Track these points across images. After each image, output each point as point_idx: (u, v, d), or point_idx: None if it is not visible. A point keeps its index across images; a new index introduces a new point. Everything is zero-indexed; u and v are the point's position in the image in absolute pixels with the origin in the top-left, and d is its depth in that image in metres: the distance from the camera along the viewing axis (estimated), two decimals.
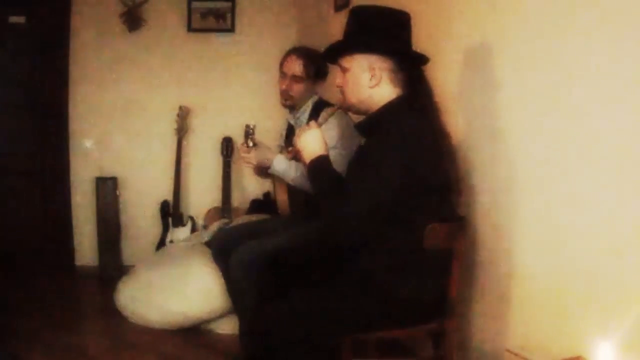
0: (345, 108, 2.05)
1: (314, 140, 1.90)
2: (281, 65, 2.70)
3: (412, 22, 1.93)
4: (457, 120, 2.22)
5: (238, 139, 3.98)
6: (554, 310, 1.70)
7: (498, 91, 1.98)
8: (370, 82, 1.87)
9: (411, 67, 1.92)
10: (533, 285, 1.81)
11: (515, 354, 1.73)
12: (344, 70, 1.92)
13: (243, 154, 2.53)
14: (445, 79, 2.27)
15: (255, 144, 2.50)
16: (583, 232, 1.60)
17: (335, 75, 2.00)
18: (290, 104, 2.69)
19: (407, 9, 1.92)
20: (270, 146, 2.65)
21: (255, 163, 2.52)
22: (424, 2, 2.41)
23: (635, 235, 1.42)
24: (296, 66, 2.63)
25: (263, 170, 2.63)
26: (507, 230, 1.94)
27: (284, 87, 2.65)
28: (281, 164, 2.49)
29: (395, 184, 1.73)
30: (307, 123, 2.50)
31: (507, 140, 1.94)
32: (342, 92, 1.96)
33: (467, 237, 2.02)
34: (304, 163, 1.94)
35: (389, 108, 1.88)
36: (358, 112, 1.99)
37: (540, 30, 1.76)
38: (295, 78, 2.62)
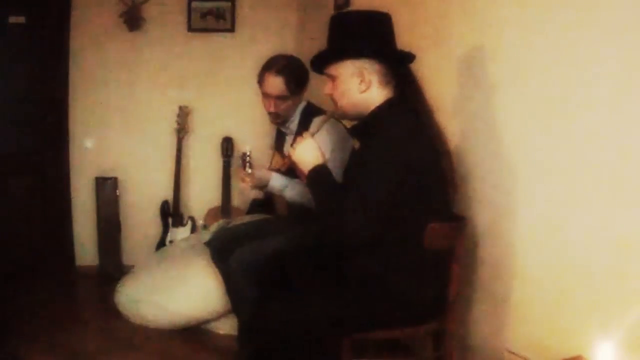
0: (339, 115, 2.03)
1: (310, 151, 1.89)
2: (260, 84, 2.61)
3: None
4: (457, 120, 2.22)
5: (238, 139, 3.99)
6: (554, 310, 1.70)
7: (497, 91, 1.98)
8: (360, 87, 1.87)
9: (399, 67, 1.91)
10: (533, 285, 1.81)
11: (515, 354, 1.73)
12: (332, 79, 1.91)
13: (241, 179, 2.52)
14: (446, 80, 2.28)
15: (252, 167, 2.50)
16: (583, 232, 1.60)
17: (320, 81, 1.98)
18: (281, 121, 2.67)
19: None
20: (265, 166, 2.66)
21: (252, 185, 2.52)
22: (424, 4, 2.41)
23: (635, 235, 1.42)
24: (277, 86, 2.55)
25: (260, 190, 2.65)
26: (507, 230, 1.94)
27: (272, 109, 2.59)
28: (278, 183, 2.49)
29: (396, 187, 1.73)
30: (299, 132, 2.51)
31: (507, 141, 1.94)
32: (333, 100, 1.95)
33: (467, 237, 2.02)
34: (303, 175, 1.91)
35: (381, 110, 1.88)
36: (351, 117, 1.98)
37: (539, 31, 1.76)
38: (280, 98, 2.56)
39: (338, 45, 1.89)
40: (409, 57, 1.92)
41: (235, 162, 3.93)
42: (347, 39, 1.87)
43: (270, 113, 2.63)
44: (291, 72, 2.55)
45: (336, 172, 2.22)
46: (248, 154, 2.51)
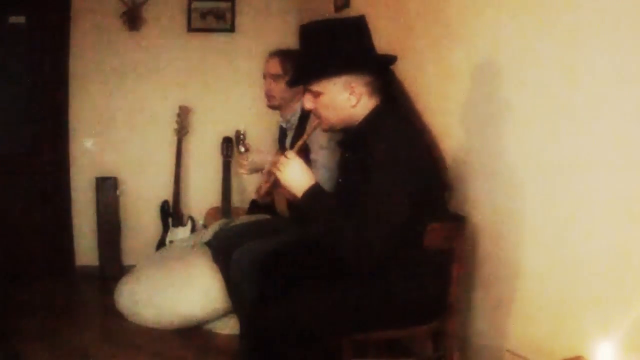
0: (325, 129, 1.95)
1: (298, 172, 1.81)
2: (264, 67, 2.72)
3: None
4: (458, 121, 2.22)
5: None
6: (554, 310, 1.70)
7: (500, 91, 1.98)
8: (350, 102, 1.81)
9: (385, 72, 1.88)
10: (533, 285, 1.81)
11: (516, 354, 1.73)
12: (316, 94, 1.82)
13: (239, 164, 2.56)
14: (447, 82, 2.28)
15: (247, 149, 2.51)
16: (583, 232, 1.60)
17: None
18: (275, 105, 2.70)
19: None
20: (262, 150, 2.67)
21: (249, 168, 2.53)
22: (432, 15, 2.40)
23: (635, 235, 1.42)
24: (273, 65, 2.63)
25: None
26: (507, 230, 1.94)
27: (265, 88, 2.68)
28: None
29: (406, 197, 1.71)
30: (299, 126, 2.50)
31: (508, 141, 1.94)
32: (319, 115, 1.88)
33: (467, 237, 2.02)
34: (296, 197, 1.84)
35: (372, 119, 1.83)
36: (338, 130, 1.93)
37: (541, 28, 1.76)
38: (273, 77, 2.63)
39: (320, 60, 1.80)
40: (391, 60, 1.89)
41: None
42: (330, 54, 1.79)
43: (264, 94, 2.69)
44: (288, 55, 2.63)
45: (334, 161, 2.21)
46: (242, 132, 2.53)
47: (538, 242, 1.79)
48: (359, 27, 1.84)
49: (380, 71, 1.86)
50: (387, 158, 1.72)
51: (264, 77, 2.69)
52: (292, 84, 2.03)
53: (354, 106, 1.82)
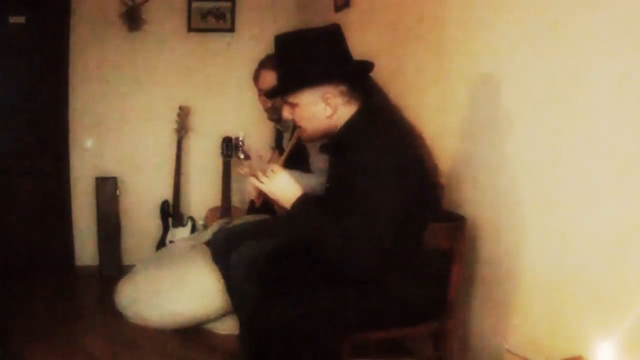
0: (305, 140, 1.95)
1: (285, 185, 1.81)
2: (255, 81, 2.64)
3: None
4: (457, 121, 2.22)
5: None
6: (554, 310, 1.70)
7: (500, 91, 1.98)
8: (326, 112, 1.80)
9: (360, 79, 1.86)
10: (533, 285, 1.81)
11: (515, 354, 1.74)
12: (292, 105, 1.83)
13: (239, 169, 2.54)
14: (447, 82, 2.28)
15: (246, 156, 2.49)
16: (583, 233, 1.60)
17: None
18: (278, 117, 2.67)
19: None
20: (263, 154, 2.66)
21: (247, 173, 2.52)
22: (431, 17, 2.41)
23: (635, 235, 1.42)
24: (272, 80, 2.54)
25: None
26: (507, 230, 1.94)
27: (269, 104, 2.61)
28: None
29: (395, 204, 1.69)
30: (295, 127, 2.50)
31: (509, 141, 1.94)
32: (298, 125, 1.89)
33: (467, 237, 2.02)
34: (285, 209, 1.84)
35: (353, 124, 1.82)
36: (319, 139, 1.93)
37: (539, 33, 1.76)
38: None
39: (294, 72, 1.80)
40: (368, 67, 1.87)
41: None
42: (304, 65, 1.78)
43: (267, 109, 2.64)
44: None
45: (323, 175, 2.21)
46: (241, 139, 2.51)
47: (538, 242, 1.79)
48: (332, 37, 1.82)
49: (356, 79, 1.84)
50: (371, 165, 1.70)
51: (261, 92, 2.60)
52: (269, 96, 2.04)
53: (330, 117, 1.81)
